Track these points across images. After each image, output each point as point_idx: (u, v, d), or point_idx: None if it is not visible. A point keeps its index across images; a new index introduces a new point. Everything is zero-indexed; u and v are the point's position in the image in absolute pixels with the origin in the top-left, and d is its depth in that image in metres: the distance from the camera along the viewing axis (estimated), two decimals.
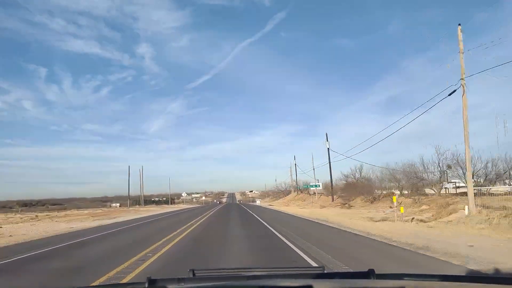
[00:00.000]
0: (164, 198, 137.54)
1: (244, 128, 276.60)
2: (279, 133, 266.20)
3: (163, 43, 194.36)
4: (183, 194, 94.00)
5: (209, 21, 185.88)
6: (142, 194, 71.92)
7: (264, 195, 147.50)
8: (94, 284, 6.03)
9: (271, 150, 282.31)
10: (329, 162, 43.55)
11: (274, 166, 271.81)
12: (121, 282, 6.21)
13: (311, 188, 63.07)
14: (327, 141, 43.40)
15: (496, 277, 2.53)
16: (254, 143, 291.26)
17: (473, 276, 1.98)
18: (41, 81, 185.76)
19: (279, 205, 59.15)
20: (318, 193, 55.74)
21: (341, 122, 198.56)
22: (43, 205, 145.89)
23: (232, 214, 32.82)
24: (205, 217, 28.10)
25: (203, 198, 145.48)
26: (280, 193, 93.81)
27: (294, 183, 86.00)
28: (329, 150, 43.58)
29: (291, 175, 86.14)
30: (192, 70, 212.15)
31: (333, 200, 43.35)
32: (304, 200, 59.15)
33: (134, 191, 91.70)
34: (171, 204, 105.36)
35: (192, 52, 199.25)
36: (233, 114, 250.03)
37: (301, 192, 74.22)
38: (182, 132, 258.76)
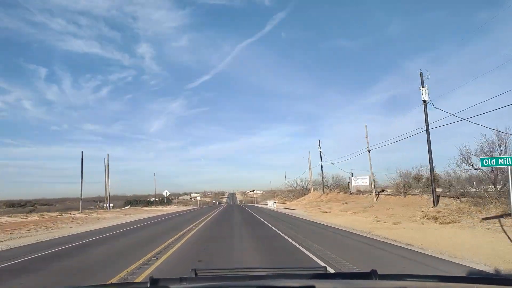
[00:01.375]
0: (160, 198, 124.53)
1: (244, 128, 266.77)
2: (279, 133, 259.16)
3: (163, 43, 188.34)
4: (164, 193, 71.64)
5: (209, 21, 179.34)
6: (107, 194, 49.12)
7: (268, 195, 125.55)
8: (96, 283, 5.09)
9: (271, 150, 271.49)
10: (427, 128, 21.11)
11: (275, 165, 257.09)
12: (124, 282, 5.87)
13: (354, 184, 40.60)
14: (423, 87, 20.99)
15: (498, 278, 2.67)
16: (254, 143, 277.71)
17: (475, 277, 1.89)
18: (41, 81, 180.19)
19: (305, 210, 36.51)
20: (365, 190, 33.38)
21: (341, 122, 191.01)
22: (32, 205, 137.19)
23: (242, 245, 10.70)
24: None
25: (198, 198, 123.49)
26: (294, 191, 71.22)
27: (314, 179, 63.47)
28: (427, 104, 21.16)
29: (310, 168, 63.50)
30: (192, 70, 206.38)
31: (436, 203, 20.75)
32: (346, 202, 36.56)
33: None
34: (158, 206, 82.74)
35: (192, 52, 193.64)
36: (233, 114, 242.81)
37: (330, 190, 51.63)
38: (182, 132, 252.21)
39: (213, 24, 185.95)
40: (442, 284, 1.61)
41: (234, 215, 29.36)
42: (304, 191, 66.29)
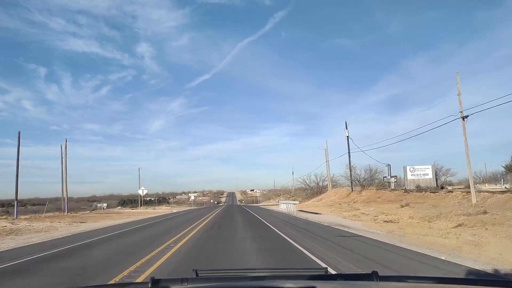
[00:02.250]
0: (157, 198, 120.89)
1: (244, 128, 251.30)
2: (280, 132, 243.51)
3: (163, 43, 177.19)
4: (140, 191, 58.49)
5: (209, 20, 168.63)
6: (64, 192, 35.75)
7: (271, 193, 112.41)
8: (97, 284, 5.14)
9: (272, 150, 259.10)
10: None
11: (276, 165, 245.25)
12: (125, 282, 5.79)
13: (410, 178, 27.33)
14: None
15: (497, 279, 2.40)
16: (255, 143, 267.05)
17: (473, 279, 1.79)
18: (41, 80, 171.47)
19: (341, 215, 23.10)
20: (427, 186, 19.91)
21: (340, 123, 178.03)
22: (23, 205, 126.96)
23: None
24: None
25: (193, 198, 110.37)
26: (306, 190, 57.88)
27: (332, 175, 50.21)
28: None
29: (327, 161, 50.28)
30: (192, 70, 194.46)
31: None
32: (406, 204, 23.21)
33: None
34: (149, 207, 69.39)
35: (192, 51, 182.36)
36: (233, 114, 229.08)
37: (363, 186, 38.32)
38: (182, 131, 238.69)
39: (213, 23, 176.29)
40: (442, 285, 1.57)
41: (237, 229, 16.01)
42: (319, 189, 53.09)
